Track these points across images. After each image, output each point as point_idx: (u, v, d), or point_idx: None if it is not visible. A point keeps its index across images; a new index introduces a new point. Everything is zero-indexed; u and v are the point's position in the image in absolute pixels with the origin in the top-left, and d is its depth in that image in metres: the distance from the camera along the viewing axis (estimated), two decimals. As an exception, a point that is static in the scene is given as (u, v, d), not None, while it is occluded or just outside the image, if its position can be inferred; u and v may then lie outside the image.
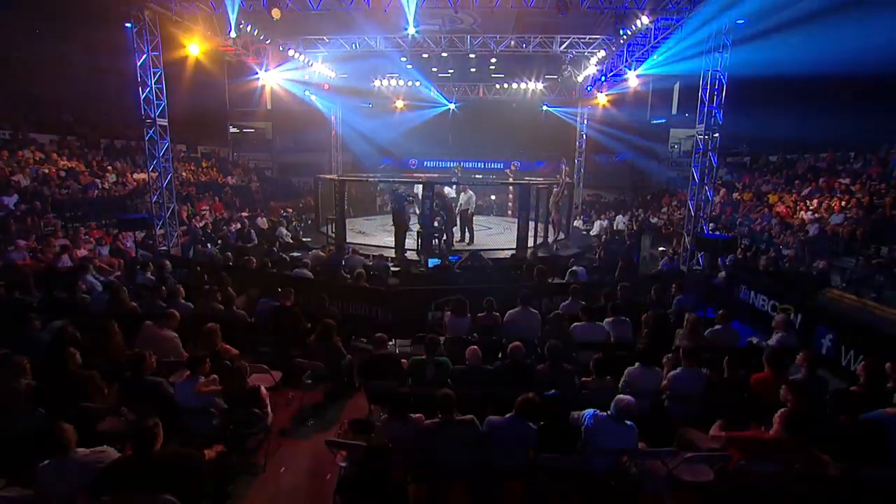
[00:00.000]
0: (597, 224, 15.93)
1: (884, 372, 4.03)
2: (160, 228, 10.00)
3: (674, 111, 21.13)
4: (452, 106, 19.35)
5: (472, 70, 19.82)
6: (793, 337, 5.36)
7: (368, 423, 4.08)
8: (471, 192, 12.05)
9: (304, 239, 12.60)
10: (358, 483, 3.16)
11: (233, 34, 10.29)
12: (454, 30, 12.89)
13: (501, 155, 20.43)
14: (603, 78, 14.35)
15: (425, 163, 21.80)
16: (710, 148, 9.57)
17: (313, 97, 17.37)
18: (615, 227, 14.97)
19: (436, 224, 10.61)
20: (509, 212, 17.09)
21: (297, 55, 13.62)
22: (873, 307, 7.61)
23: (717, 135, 9.53)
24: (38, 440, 3.05)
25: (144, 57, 9.29)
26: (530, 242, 10.95)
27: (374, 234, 12.81)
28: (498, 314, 5.73)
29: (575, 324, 5.44)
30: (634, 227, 14.68)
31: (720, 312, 5.60)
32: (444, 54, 15.44)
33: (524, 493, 3.51)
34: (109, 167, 14.18)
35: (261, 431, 4.06)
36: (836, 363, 5.83)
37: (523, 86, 17.79)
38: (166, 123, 9.81)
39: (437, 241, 10.67)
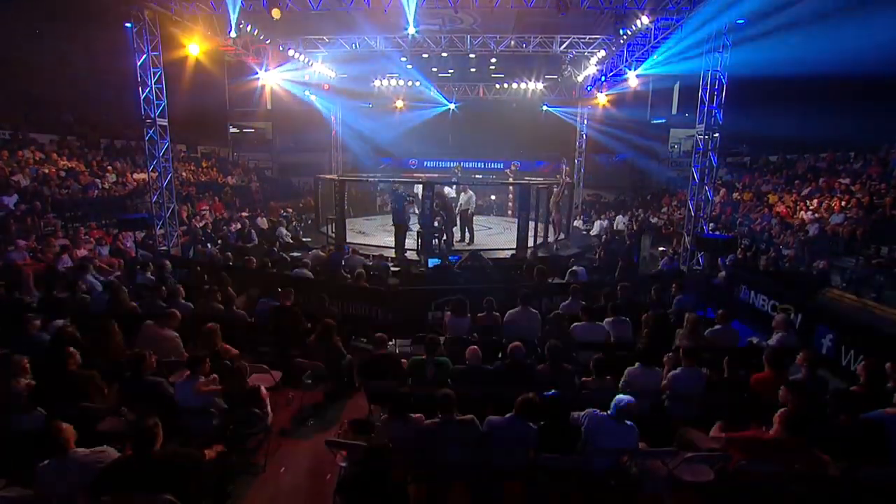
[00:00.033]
0: (597, 224, 15.93)
1: (884, 372, 4.03)
2: (160, 228, 10.00)
3: (674, 111, 21.13)
4: (452, 106, 19.34)
5: (472, 70, 19.82)
6: (793, 337, 5.36)
7: (368, 423, 4.08)
8: (471, 192, 12.05)
9: (304, 239, 12.60)
10: (358, 483, 3.16)
11: (233, 34, 10.30)
12: (454, 30, 12.88)
13: (501, 155, 20.42)
14: (603, 78, 14.35)
15: (425, 163, 21.79)
16: (710, 148, 9.56)
17: (313, 97, 17.37)
18: (615, 227, 14.96)
19: (436, 224, 10.61)
20: (509, 212, 17.09)
21: (297, 55, 13.62)
22: (873, 307, 7.61)
23: (717, 135, 9.53)
24: (37, 440, 3.04)
25: (144, 57, 9.29)
26: (530, 242, 10.95)
27: (374, 234, 12.81)
28: (498, 314, 5.73)
29: (575, 324, 5.44)
30: (634, 227, 14.68)
31: (720, 312, 5.60)
32: (444, 54, 15.44)
33: (524, 493, 3.51)
34: (109, 167, 14.18)
35: (261, 431, 4.06)
36: (836, 363, 5.83)
37: (523, 86, 17.78)
38: (166, 123, 9.81)
39: (437, 241, 10.67)
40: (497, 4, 9.61)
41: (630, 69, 12.80)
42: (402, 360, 4.69)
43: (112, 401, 3.93)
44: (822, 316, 6.66)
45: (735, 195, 15.63)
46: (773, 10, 10.22)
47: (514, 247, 10.69)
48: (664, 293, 6.79)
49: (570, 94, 17.79)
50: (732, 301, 7.99)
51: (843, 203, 11.54)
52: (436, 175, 17.77)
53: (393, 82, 17.76)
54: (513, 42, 13.26)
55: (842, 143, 14.25)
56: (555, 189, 12.73)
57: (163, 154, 9.82)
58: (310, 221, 15.25)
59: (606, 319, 5.58)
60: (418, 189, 12.34)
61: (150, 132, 9.61)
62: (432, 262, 9.19)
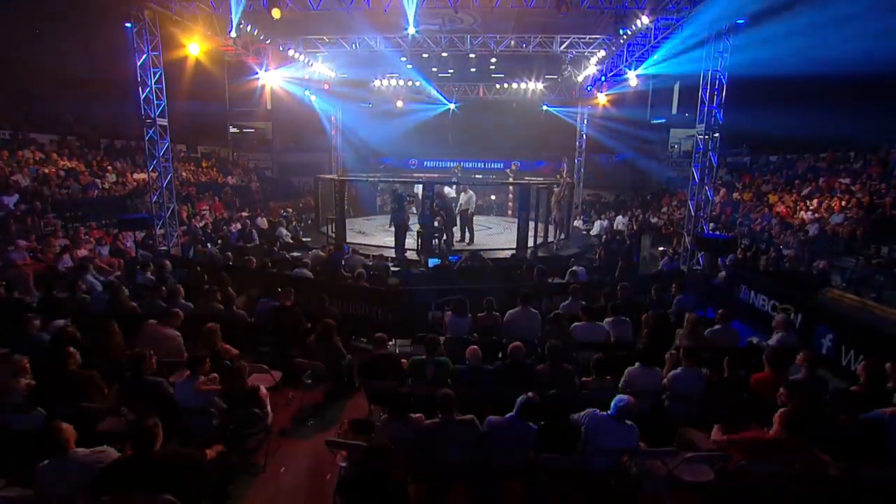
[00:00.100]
0: (597, 224, 15.93)
1: (884, 372, 4.03)
2: (160, 228, 10.00)
3: (674, 111, 21.14)
4: (452, 106, 19.34)
5: (472, 70, 19.81)
6: (793, 337, 5.36)
7: (368, 423, 4.08)
8: (471, 192, 12.05)
9: (304, 239, 12.59)
10: (358, 483, 3.16)
11: (233, 34, 10.30)
12: (454, 30, 12.88)
13: (501, 155, 20.43)
14: (603, 78, 14.36)
15: (425, 163, 21.79)
16: (710, 148, 9.56)
17: (313, 97, 17.37)
18: (615, 227, 14.96)
19: (436, 224, 10.61)
20: (509, 212, 17.09)
21: (297, 55, 13.62)
22: (873, 307, 7.60)
23: (717, 135, 9.53)
24: (37, 440, 3.04)
25: (144, 57, 9.29)
26: (530, 242, 10.95)
27: (374, 234, 12.81)
28: (498, 314, 5.73)
29: (575, 324, 5.44)
30: (634, 227, 14.68)
31: (720, 312, 5.60)
32: (444, 54, 15.45)
33: (524, 493, 3.51)
34: (109, 167, 14.18)
35: (261, 431, 4.06)
36: (836, 363, 5.83)
37: (523, 86, 17.78)
38: (166, 123, 9.81)
39: (437, 241, 10.67)
40: (497, 4, 9.61)
41: (630, 69, 12.80)
42: (402, 360, 4.69)
43: (112, 401, 3.93)
44: (822, 316, 6.66)
45: (735, 195, 15.64)
46: (774, 10, 10.22)
47: (514, 247, 10.69)
48: (664, 293, 6.79)
49: (570, 94, 17.79)
50: (732, 301, 7.98)
51: (843, 203, 11.55)
52: (436, 175, 17.77)
53: (393, 82, 17.75)
54: (513, 42, 13.26)
55: (842, 143, 14.25)
56: (555, 189, 12.72)
57: (163, 154, 9.82)
58: (310, 221, 15.24)
59: (606, 319, 5.58)
60: (418, 189, 12.33)
61: (150, 132, 9.61)
62: (432, 262, 9.18)
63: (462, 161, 17.52)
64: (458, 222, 11.66)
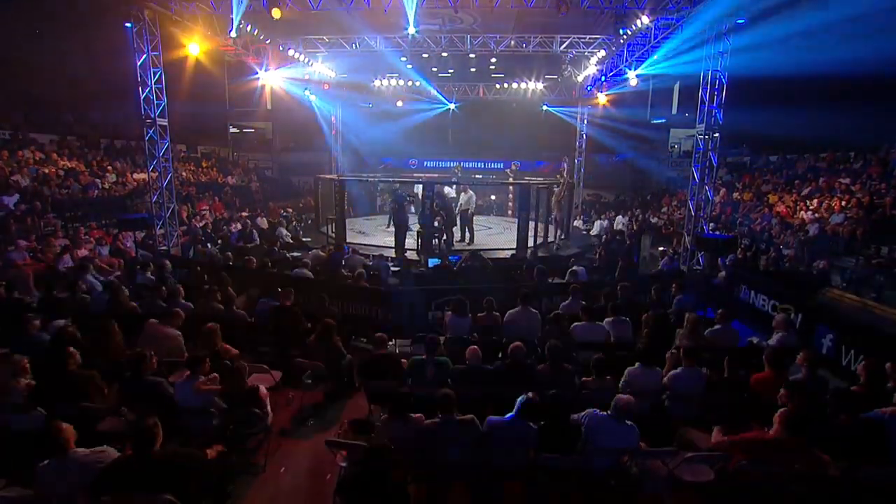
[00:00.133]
0: (597, 224, 15.93)
1: (884, 372, 4.03)
2: (160, 228, 10.00)
3: (674, 111, 21.14)
4: (452, 106, 19.33)
5: (472, 70, 19.79)
6: (793, 337, 5.36)
7: (368, 423, 4.08)
8: (471, 192, 12.05)
9: (304, 239, 12.60)
10: (358, 483, 3.16)
11: (233, 34, 10.30)
12: (454, 29, 12.88)
13: (501, 155, 20.43)
14: (603, 78, 14.35)
15: (425, 163, 21.79)
16: (710, 148, 9.56)
17: (313, 97, 17.37)
18: (615, 227, 14.96)
19: (436, 224, 10.61)
20: (509, 212, 17.08)
21: (297, 55, 13.62)
22: (873, 307, 7.61)
23: (717, 135, 9.53)
24: (37, 440, 3.04)
25: (144, 57, 9.29)
26: (530, 242, 10.95)
27: (374, 234, 12.81)
28: (498, 314, 5.73)
29: (575, 324, 5.44)
30: (634, 227, 14.68)
31: (720, 312, 5.60)
32: (444, 54, 15.43)
33: (524, 493, 3.51)
34: (109, 167, 14.18)
35: (261, 431, 4.06)
36: (836, 363, 5.83)
37: (523, 86, 17.77)
38: (166, 123, 9.81)
39: (437, 241, 10.67)
40: (497, 4, 9.60)
41: (630, 69, 12.80)
42: (402, 360, 4.69)
43: (112, 401, 3.93)
44: (822, 316, 6.65)
45: (735, 195, 15.64)
46: (774, 10, 10.22)
47: (514, 247, 10.69)
48: (664, 293, 6.79)
49: (570, 94, 17.78)
50: (732, 301, 7.98)
51: (843, 203, 11.55)
52: (436, 175, 17.77)
53: (393, 82, 17.76)
54: (513, 42, 13.26)
55: (842, 143, 14.25)
56: (555, 189, 12.73)
57: (163, 154, 9.82)
58: (310, 221, 15.24)
59: (606, 319, 5.58)
60: (418, 189, 12.33)
61: (150, 132, 9.61)
62: (432, 262, 9.18)
63: (462, 161, 17.53)
64: (458, 222, 11.66)
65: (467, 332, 5.57)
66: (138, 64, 9.28)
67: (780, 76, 12.26)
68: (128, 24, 9.27)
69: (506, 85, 18.18)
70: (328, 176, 14.99)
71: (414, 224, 11.19)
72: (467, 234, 12.01)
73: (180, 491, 2.79)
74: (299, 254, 10.03)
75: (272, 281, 7.02)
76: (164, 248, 9.94)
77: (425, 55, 15.37)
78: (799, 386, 3.63)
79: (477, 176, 18.79)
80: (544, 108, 19.17)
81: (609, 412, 3.44)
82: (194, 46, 10.59)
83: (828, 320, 6.40)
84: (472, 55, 15.55)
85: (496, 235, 13.30)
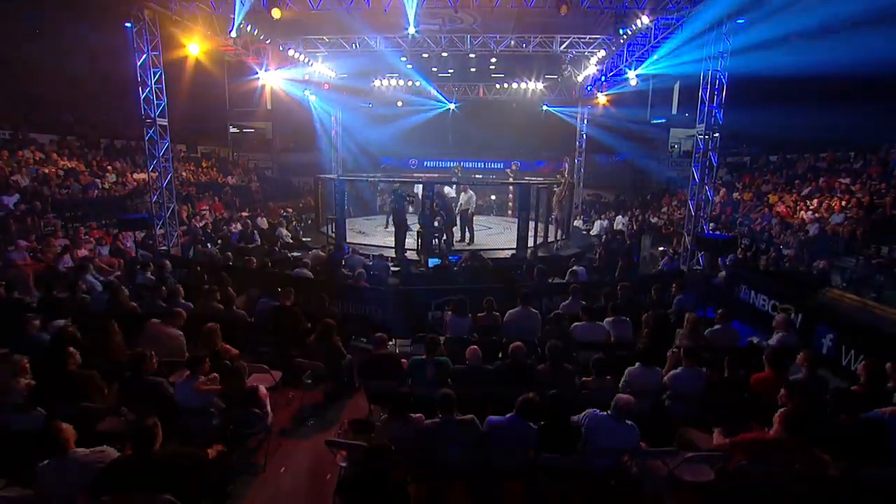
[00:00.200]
0: (597, 224, 15.93)
1: (884, 371, 4.03)
2: (160, 228, 10.00)
3: (674, 111, 21.14)
4: (452, 106, 19.33)
5: (472, 70, 19.80)
6: (793, 337, 5.36)
7: (368, 423, 4.08)
8: (471, 192, 12.04)
9: (304, 239, 12.60)
10: (358, 483, 3.16)
11: (234, 34, 10.30)
12: (454, 29, 12.88)
13: (501, 155, 20.44)
14: (603, 78, 14.36)
15: (425, 163, 21.80)
16: (710, 148, 9.56)
17: (313, 97, 17.36)
18: (615, 227, 14.97)
19: (436, 224, 10.61)
20: (509, 212, 17.08)
21: (297, 55, 13.62)
22: (874, 307, 7.60)
23: (717, 135, 9.52)
24: (37, 440, 3.04)
25: (144, 57, 9.29)
26: (530, 242, 10.95)
27: (374, 234, 12.81)
28: (498, 314, 5.73)
29: (575, 324, 5.44)
30: (634, 227, 14.68)
31: (720, 312, 5.60)
32: (444, 54, 15.43)
33: (524, 493, 3.51)
34: (109, 167, 14.18)
35: (261, 431, 4.06)
36: (836, 363, 5.83)
37: (523, 86, 17.78)
38: (166, 123, 9.81)
39: (437, 241, 10.67)
40: (497, 4, 9.60)
41: (630, 69, 12.80)
42: (402, 360, 4.69)
43: (112, 401, 3.93)
44: (822, 316, 6.66)
45: (735, 195, 15.64)
46: (774, 9, 10.22)
47: (514, 247, 10.69)
48: (664, 293, 6.79)
49: (570, 94, 17.78)
50: (732, 301, 7.99)
51: (843, 203, 11.55)
52: (436, 175, 17.76)
53: (393, 82, 17.76)
54: (513, 42, 13.26)
55: (842, 143, 14.25)
56: (555, 189, 12.73)
57: (163, 154, 9.82)
58: (310, 221, 15.24)
59: (606, 319, 5.58)
60: (418, 189, 12.33)
61: (150, 132, 9.61)
62: (432, 262, 9.18)
63: (462, 161, 17.52)
64: (458, 222, 11.66)
65: (467, 332, 5.57)
66: (138, 64, 9.27)
67: (780, 76, 12.25)
68: (128, 24, 9.27)
69: (506, 85, 18.19)
70: (328, 176, 14.99)
71: (414, 224, 11.19)
72: (467, 234, 12.01)
73: (180, 491, 2.79)
74: (299, 254, 10.02)
75: (272, 281, 7.02)
76: (164, 248, 9.94)
77: (425, 55, 15.37)
78: (799, 386, 3.63)
79: (477, 176, 18.80)
80: (544, 108, 19.17)
81: (609, 412, 3.44)
82: (194, 46, 10.59)
83: (828, 320, 6.41)
84: (472, 55, 15.56)
85: (496, 235, 13.30)
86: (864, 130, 13.12)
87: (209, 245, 11.05)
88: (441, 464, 3.44)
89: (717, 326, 5.45)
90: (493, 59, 18.43)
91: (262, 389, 4.05)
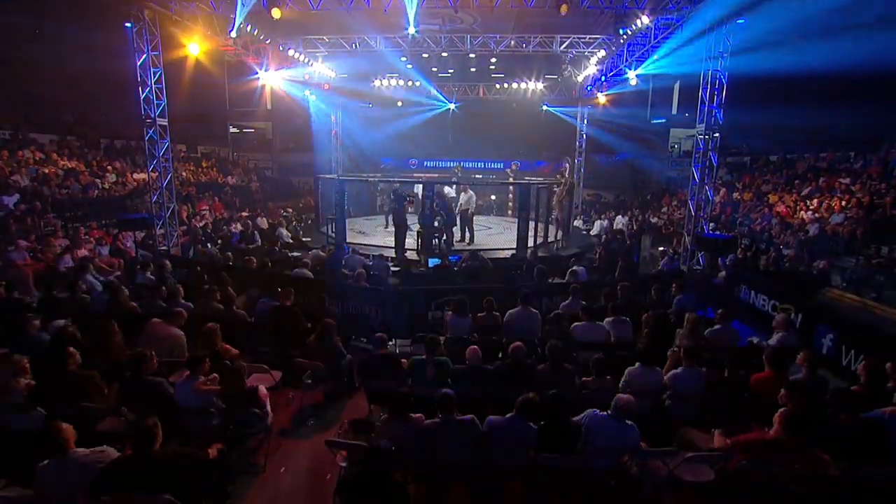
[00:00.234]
0: (597, 224, 15.93)
1: (884, 371, 4.03)
2: (160, 228, 10.00)
3: (674, 111, 21.14)
4: (452, 106, 19.32)
5: (472, 70, 19.80)
6: (793, 337, 5.36)
7: (368, 423, 4.08)
8: (471, 192, 12.04)
9: (304, 239, 12.60)
10: (358, 483, 3.16)
11: (234, 34, 10.29)
12: (454, 29, 12.87)
13: (501, 155, 20.43)
14: (603, 78, 14.35)
15: (425, 163, 21.78)
16: (710, 148, 9.56)
17: (313, 97, 17.36)
18: (615, 227, 14.96)
19: (436, 224, 10.61)
20: (509, 212, 17.08)
21: (297, 55, 13.62)
22: (873, 307, 7.60)
23: (717, 135, 9.52)
24: (37, 440, 3.04)
25: (144, 57, 9.29)
26: (530, 242, 10.94)
27: (374, 234, 12.81)
28: (498, 314, 5.73)
29: (575, 324, 5.44)
30: (634, 227, 14.68)
31: (720, 312, 5.60)
32: (444, 54, 15.43)
33: (524, 493, 3.51)
34: (109, 167, 14.18)
35: (261, 431, 4.06)
36: (836, 363, 5.83)
37: (523, 86, 17.77)
38: (166, 123, 9.81)
39: (437, 241, 10.67)
40: (497, 4, 9.60)
41: (630, 69, 12.79)
42: (402, 360, 4.69)
43: (112, 401, 3.93)
44: (822, 316, 6.66)
45: (735, 195, 15.64)
46: (774, 9, 10.22)
47: (514, 247, 10.68)
48: (664, 293, 6.79)
49: (570, 94, 17.77)
50: (732, 301, 7.98)
51: (844, 203, 11.55)
52: (436, 175, 17.75)
53: (393, 82, 17.75)
54: (513, 42, 13.26)
55: (842, 142, 14.25)
56: (555, 189, 12.73)
57: (163, 154, 9.82)
58: (310, 221, 15.24)
59: (606, 319, 5.58)
60: (418, 189, 12.33)
61: (150, 132, 9.61)
62: (432, 262, 9.18)
63: (462, 161, 17.52)
64: (458, 222, 11.65)
65: (467, 332, 5.57)
66: (138, 64, 9.28)
67: (780, 75, 12.25)
68: (128, 24, 9.27)
69: (506, 85, 18.18)
70: (328, 176, 14.99)
71: (414, 224, 11.19)
72: (467, 234, 12.01)
73: (180, 491, 2.79)
74: (299, 254, 10.02)
75: (272, 281, 7.02)
76: (164, 248, 9.94)
77: (425, 55, 15.37)
78: (799, 386, 3.63)
79: (477, 176, 18.79)
80: (544, 108, 19.16)
81: (609, 412, 3.44)
82: (194, 46, 10.58)
83: (828, 320, 6.41)
84: (472, 55, 15.56)
85: (496, 235, 13.30)
86: (864, 130, 13.12)
87: (209, 245, 11.05)
88: (441, 464, 3.44)
89: (717, 326, 5.45)
90: (493, 59, 18.43)
91: (262, 389, 4.05)
